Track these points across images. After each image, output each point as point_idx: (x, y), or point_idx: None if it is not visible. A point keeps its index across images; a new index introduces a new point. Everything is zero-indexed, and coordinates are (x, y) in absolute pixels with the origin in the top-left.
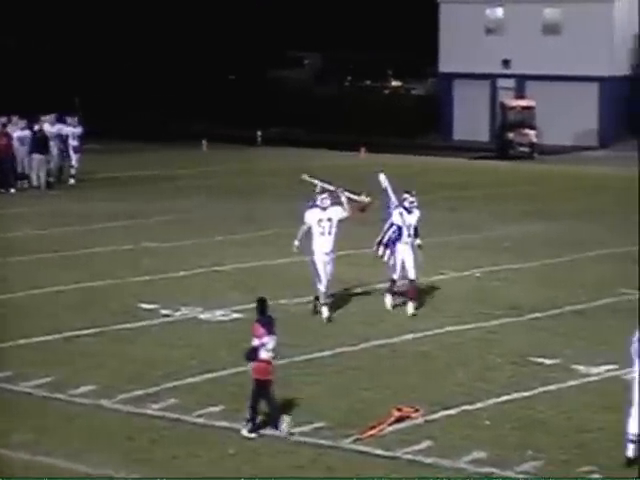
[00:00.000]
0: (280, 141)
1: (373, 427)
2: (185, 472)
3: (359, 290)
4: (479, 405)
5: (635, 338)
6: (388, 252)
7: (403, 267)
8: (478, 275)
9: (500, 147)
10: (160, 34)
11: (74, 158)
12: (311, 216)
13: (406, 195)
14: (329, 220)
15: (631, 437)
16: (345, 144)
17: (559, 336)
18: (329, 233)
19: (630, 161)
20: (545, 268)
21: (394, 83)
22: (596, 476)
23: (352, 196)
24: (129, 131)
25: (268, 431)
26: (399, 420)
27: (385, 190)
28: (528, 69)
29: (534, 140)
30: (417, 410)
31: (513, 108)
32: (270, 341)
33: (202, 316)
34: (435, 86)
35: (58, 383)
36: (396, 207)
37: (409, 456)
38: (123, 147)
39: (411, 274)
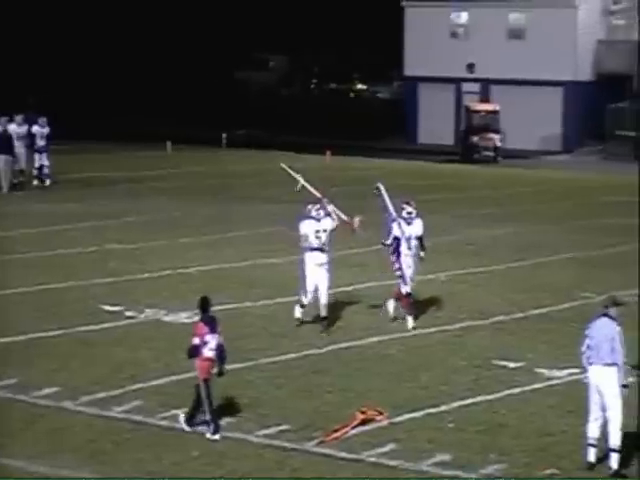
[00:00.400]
0: (245, 143)
1: (337, 430)
2: (148, 475)
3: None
4: (443, 408)
5: (584, 348)
6: (394, 257)
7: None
8: (443, 279)
9: (465, 151)
10: (126, 35)
11: (41, 158)
12: (308, 227)
13: (404, 205)
14: (324, 231)
15: (591, 441)
16: (311, 147)
17: (523, 340)
18: (324, 244)
19: (594, 166)
20: (509, 272)
21: (359, 86)
22: (558, 479)
23: (341, 215)
24: (93, 132)
25: (232, 434)
26: (364, 423)
27: (382, 200)
28: (493, 73)
29: (498, 144)
30: (382, 413)
31: (478, 112)
32: (212, 340)
33: (166, 318)
34: (400, 90)
35: (22, 385)
36: (393, 220)
37: (373, 459)
38: (86, 148)
39: (407, 287)
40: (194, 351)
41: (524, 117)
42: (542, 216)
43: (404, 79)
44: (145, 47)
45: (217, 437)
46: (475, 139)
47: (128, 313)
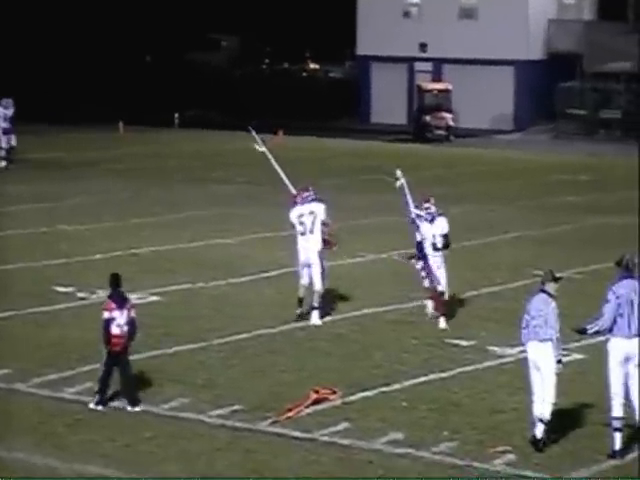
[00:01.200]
0: (198, 124)
1: (290, 409)
2: (101, 456)
3: (277, 273)
4: (396, 387)
5: (523, 325)
6: (420, 263)
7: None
8: (395, 257)
9: (417, 130)
10: (76, 14)
11: (4, 139)
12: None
13: (424, 203)
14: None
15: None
16: (263, 127)
17: (475, 318)
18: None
19: (544, 145)
20: (461, 251)
21: (312, 66)
22: (510, 456)
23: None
24: (42, 112)
25: (185, 414)
26: (317, 402)
27: (401, 191)
28: (445, 53)
29: (451, 123)
30: (334, 392)
31: (430, 91)
32: (120, 316)
33: None
34: (353, 69)
35: None
36: (412, 222)
37: (326, 438)
38: (36, 129)
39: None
40: (105, 325)
41: (476, 96)
42: (494, 195)
43: (356, 59)
44: (97, 27)
45: (100, 408)
46: (427, 118)
47: (80, 294)
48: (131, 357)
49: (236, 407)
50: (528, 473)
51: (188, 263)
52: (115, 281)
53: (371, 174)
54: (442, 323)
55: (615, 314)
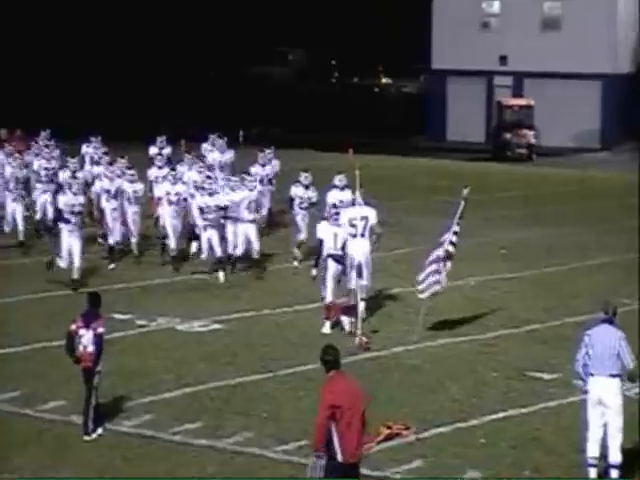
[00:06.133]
0: (263, 141)
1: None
2: None
3: (344, 299)
4: (473, 422)
5: (580, 356)
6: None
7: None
8: (473, 284)
9: (497, 148)
10: (139, 30)
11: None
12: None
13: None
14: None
15: (592, 462)
16: (332, 144)
17: (559, 349)
18: None
19: (633, 164)
20: (543, 277)
21: (384, 80)
22: None
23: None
24: (104, 131)
25: (249, 449)
26: (388, 438)
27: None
28: (526, 66)
29: (532, 141)
30: (408, 427)
31: (510, 107)
32: (86, 334)
33: (180, 327)
34: (428, 84)
35: (27, 397)
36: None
37: (399, 476)
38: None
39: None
40: (68, 345)
41: (560, 112)
42: (576, 217)
43: (432, 72)
44: (160, 42)
45: (87, 438)
46: (508, 136)
47: (139, 322)
48: (194, 388)
49: (302, 442)
50: None
51: (253, 289)
52: (91, 299)
53: (446, 195)
54: (327, 328)
55: None
